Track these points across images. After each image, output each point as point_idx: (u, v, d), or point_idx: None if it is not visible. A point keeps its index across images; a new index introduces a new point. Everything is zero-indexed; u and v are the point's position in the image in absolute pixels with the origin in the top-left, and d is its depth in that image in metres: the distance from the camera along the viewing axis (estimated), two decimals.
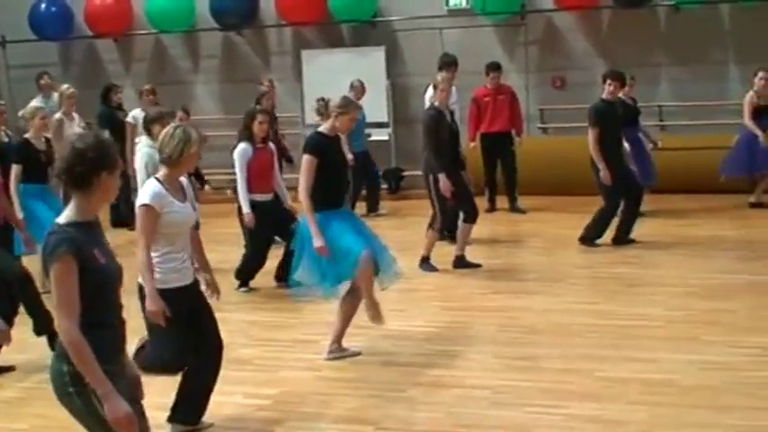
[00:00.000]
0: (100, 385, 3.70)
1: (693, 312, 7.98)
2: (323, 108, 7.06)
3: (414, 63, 15.03)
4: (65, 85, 11.56)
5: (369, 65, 14.82)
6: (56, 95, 13.23)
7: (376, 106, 14.60)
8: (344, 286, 6.96)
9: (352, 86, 13.00)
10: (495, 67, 12.65)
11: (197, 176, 10.36)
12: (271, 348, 7.42)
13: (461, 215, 9.66)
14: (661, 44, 14.16)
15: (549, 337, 7.50)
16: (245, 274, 9.28)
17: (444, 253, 9.80)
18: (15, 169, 8.66)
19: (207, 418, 5.79)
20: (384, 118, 14.89)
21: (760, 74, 12.10)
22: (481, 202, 11.31)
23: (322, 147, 6.84)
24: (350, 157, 12.69)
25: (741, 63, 13.80)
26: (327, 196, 6.82)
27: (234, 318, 8.23)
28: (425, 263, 9.72)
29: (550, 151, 12.64)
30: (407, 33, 15.08)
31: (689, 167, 12.66)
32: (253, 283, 9.24)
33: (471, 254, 9.89)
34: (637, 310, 8.14)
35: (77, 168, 3.78)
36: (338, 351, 7.07)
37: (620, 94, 11.42)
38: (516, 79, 12.95)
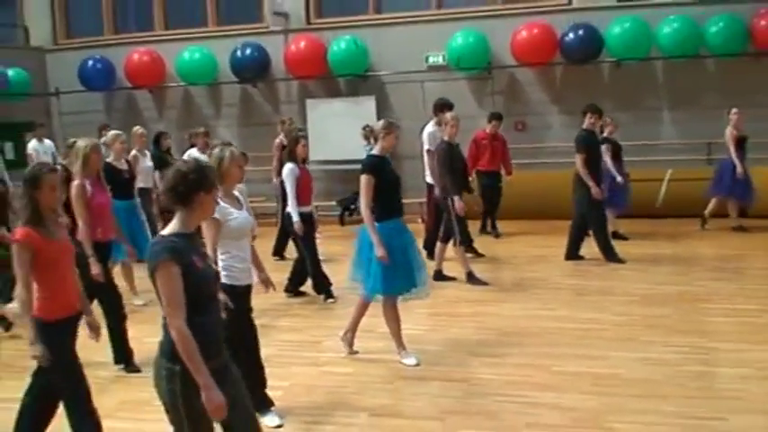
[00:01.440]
0: (202, 377, 3.65)
1: (635, 317, 7.98)
2: (369, 133, 7.01)
3: (400, 109, 15.02)
4: (136, 127, 11.57)
5: (362, 111, 14.82)
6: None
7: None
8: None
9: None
10: (498, 117, 12.54)
11: None
12: (284, 347, 7.40)
13: (452, 238, 9.56)
14: (605, 93, 14.15)
15: (515, 338, 7.47)
16: (305, 276, 9.28)
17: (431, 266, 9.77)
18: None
19: None
20: None
21: (734, 110, 12.00)
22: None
23: (377, 166, 6.71)
24: None
25: (672, 109, 13.87)
26: (386, 208, 6.71)
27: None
28: (472, 278, 9.59)
29: (514, 184, 12.63)
30: (394, 85, 15.13)
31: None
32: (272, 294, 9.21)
33: (451, 269, 9.87)
34: (587, 315, 8.13)
35: (180, 188, 3.78)
36: (407, 356, 6.92)
37: (606, 134, 11.57)
38: (484, 123, 12.95)
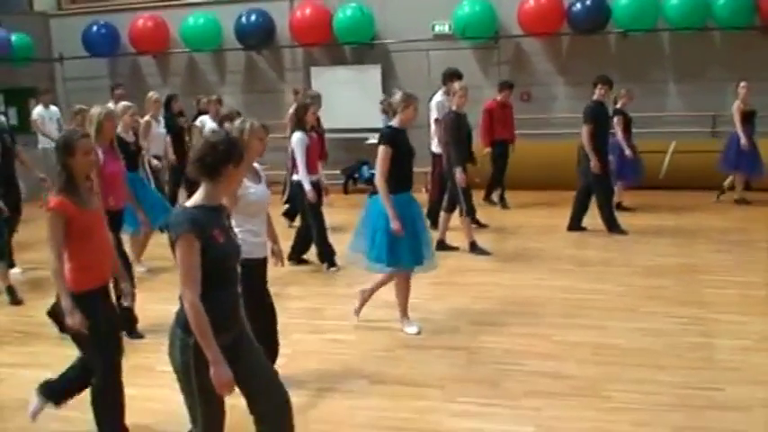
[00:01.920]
0: (211, 352, 3.66)
1: (635, 288, 8.04)
2: (387, 106, 7.03)
3: (405, 79, 14.95)
4: (151, 92, 11.54)
5: (367, 80, 14.84)
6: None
7: (372, 115, 14.61)
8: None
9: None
10: (509, 86, 12.43)
11: None
12: (287, 315, 7.42)
13: (458, 208, 9.60)
14: (612, 65, 14.09)
15: (516, 307, 7.53)
16: (309, 244, 9.31)
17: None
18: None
19: None
20: (380, 125, 14.85)
21: (742, 83, 11.91)
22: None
23: (395, 138, 6.72)
24: None
25: (678, 81, 13.84)
26: (400, 181, 6.72)
27: None
28: (475, 248, 9.61)
29: (520, 154, 12.62)
30: (400, 54, 15.07)
31: None
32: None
33: (455, 239, 9.92)
34: (588, 285, 8.20)
35: (208, 159, 3.77)
36: (408, 324, 7.00)
37: (619, 105, 11.54)
38: (491, 94, 12.92)
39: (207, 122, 11.72)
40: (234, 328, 3.94)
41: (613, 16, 13.76)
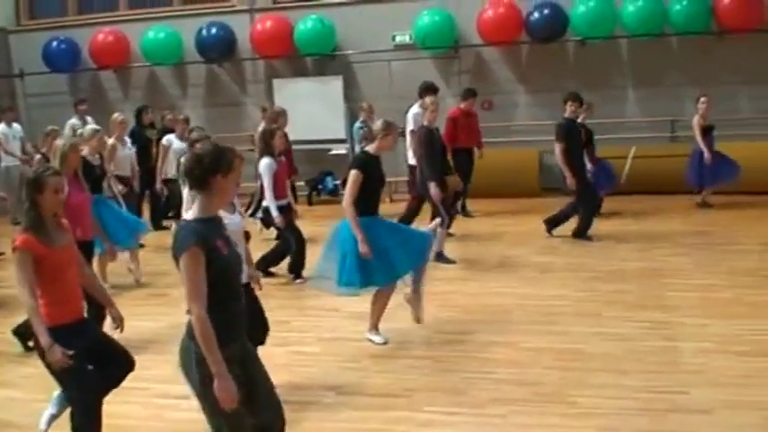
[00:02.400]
0: (216, 366, 3.65)
1: (597, 293, 8.11)
2: (368, 134, 7.03)
3: (367, 89, 15.08)
4: (116, 114, 11.29)
5: (329, 91, 14.88)
6: (89, 118, 13.17)
7: (335, 126, 14.69)
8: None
9: (362, 109, 13.12)
10: (473, 93, 12.27)
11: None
12: None
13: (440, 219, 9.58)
14: (571, 72, 14.29)
15: (480, 315, 7.55)
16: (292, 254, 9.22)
17: None
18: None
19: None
20: (342, 135, 14.92)
21: (702, 99, 11.99)
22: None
23: (367, 165, 6.73)
24: None
25: (636, 88, 14.01)
26: (368, 205, 6.71)
27: None
28: (440, 257, 9.53)
29: (481, 162, 12.64)
30: (361, 65, 15.13)
31: None
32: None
33: (454, 251, 9.95)
34: (552, 292, 8.23)
35: (196, 171, 3.78)
36: (375, 335, 6.98)
37: (579, 119, 11.42)
38: (452, 102, 13.00)
39: (174, 142, 11.45)
40: (240, 338, 3.94)
41: (571, 24, 13.94)
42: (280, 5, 15.61)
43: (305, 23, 14.76)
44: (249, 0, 15.56)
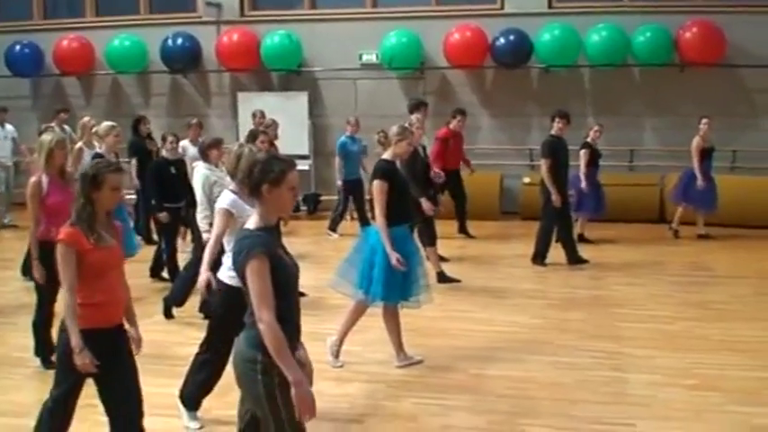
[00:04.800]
0: (293, 373, 3.66)
1: (550, 320, 8.18)
2: (383, 138, 7.00)
3: (332, 106, 15.11)
4: (86, 118, 11.15)
5: (294, 107, 14.86)
6: (67, 127, 12.99)
7: (299, 142, 14.67)
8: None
9: (348, 123, 13.03)
10: (462, 112, 12.13)
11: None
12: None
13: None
14: (533, 98, 14.46)
15: (434, 340, 7.57)
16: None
17: None
18: None
19: (160, 407, 5.79)
20: (306, 151, 14.89)
21: (704, 120, 11.95)
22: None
23: (389, 172, 6.73)
24: (339, 183, 12.74)
25: (597, 116, 14.13)
26: (397, 213, 6.68)
27: (171, 321, 8.24)
28: (443, 277, 9.60)
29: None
30: (327, 82, 15.14)
31: None
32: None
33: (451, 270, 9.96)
34: (506, 318, 8.30)
35: (247, 180, 3.87)
36: (405, 359, 6.94)
37: (589, 139, 11.61)
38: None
39: (189, 148, 11.32)
40: (298, 345, 3.97)
41: (536, 51, 14.07)
42: (247, 18, 15.58)
43: (272, 38, 14.76)
44: (216, 12, 15.52)
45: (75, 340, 4.31)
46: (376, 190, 6.66)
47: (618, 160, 14.01)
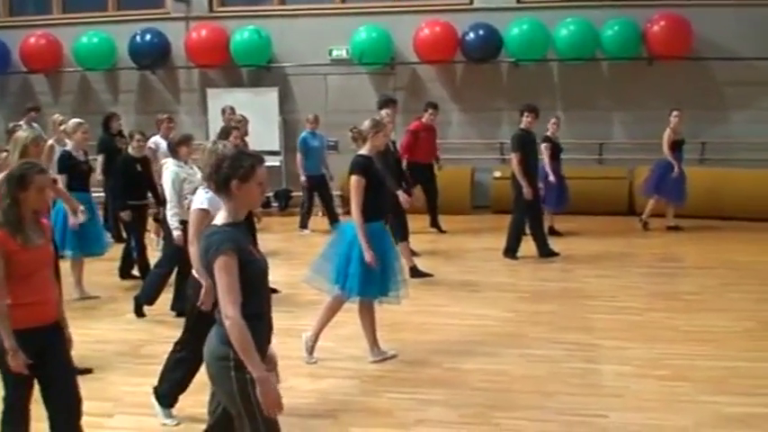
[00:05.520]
0: (257, 370, 3.65)
1: (522, 313, 8.22)
2: (357, 134, 6.97)
3: (302, 102, 15.06)
4: (56, 115, 11.06)
5: (264, 103, 14.79)
6: (36, 125, 12.79)
7: (269, 138, 14.60)
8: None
9: (307, 120, 12.99)
10: (434, 106, 12.15)
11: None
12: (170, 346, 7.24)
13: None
14: (503, 93, 14.51)
15: (407, 334, 7.57)
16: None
17: None
18: (59, 180, 8.36)
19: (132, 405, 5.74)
20: (276, 147, 14.85)
21: (674, 113, 12.06)
22: None
23: (366, 167, 6.68)
24: (302, 179, 12.67)
25: (566, 110, 14.22)
26: (374, 209, 6.66)
27: (143, 320, 8.17)
28: (416, 272, 9.58)
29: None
30: (297, 77, 15.10)
31: None
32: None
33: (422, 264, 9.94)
34: (479, 311, 8.31)
35: (215, 176, 3.81)
36: (379, 354, 6.93)
37: (548, 132, 11.71)
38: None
39: (161, 144, 11.11)
40: (269, 341, 3.96)
41: (505, 46, 14.11)
42: (216, 14, 15.49)
43: (241, 34, 14.68)
44: (185, 8, 15.41)
45: (9, 342, 4.30)
46: (353, 185, 6.63)
47: (587, 153, 14.11)
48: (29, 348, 4.33)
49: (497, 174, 13.32)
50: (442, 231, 12.49)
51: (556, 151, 11.88)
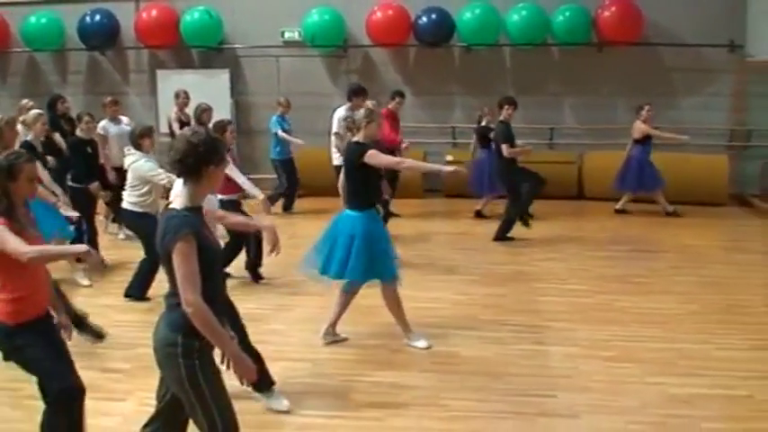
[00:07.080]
0: (228, 347, 3.73)
1: (472, 296, 8.30)
2: (351, 124, 6.96)
3: (254, 84, 14.98)
4: (25, 100, 10.84)
5: (215, 85, 14.64)
6: None
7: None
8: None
9: (279, 103, 12.83)
10: (401, 94, 12.16)
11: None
12: (127, 329, 7.20)
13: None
14: (456, 77, 14.56)
15: (358, 317, 7.54)
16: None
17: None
18: None
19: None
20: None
21: (647, 107, 12.17)
22: None
23: (364, 152, 6.62)
24: (279, 159, 12.62)
25: (518, 94, 14.23)
26: (369, 197, 6.75)
27: (94, 302, 8.07)
28: None
29: None
30: (249, 59, 14.98)
31: None
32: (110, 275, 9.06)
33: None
34: (429, 294, 8.36)
35: (189, 160, 3.73)
36: (332, 336, 6.98)
37: (483, 122, 11.90)
38: (339, 101, 12.99)
39: (110, 128, 11.04)
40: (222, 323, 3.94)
41: (457, 31, 14.15)
42: None
43: (192, 14, 14.52)
44: None
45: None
46: (372, 155, 6.58)
47: (538, 138, 14.20)
48: (37, 337, 4.33)
49: (449, 158, 13.31)
50: (394, 215, 12.50)
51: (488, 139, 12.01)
